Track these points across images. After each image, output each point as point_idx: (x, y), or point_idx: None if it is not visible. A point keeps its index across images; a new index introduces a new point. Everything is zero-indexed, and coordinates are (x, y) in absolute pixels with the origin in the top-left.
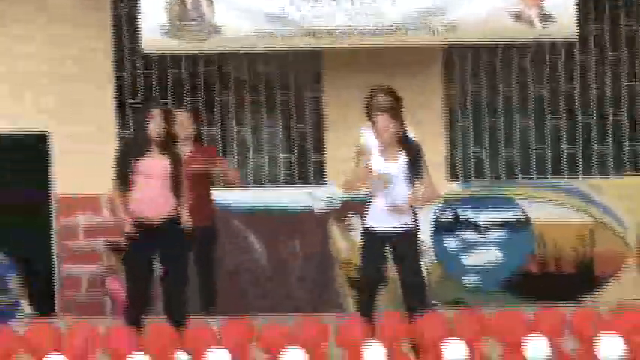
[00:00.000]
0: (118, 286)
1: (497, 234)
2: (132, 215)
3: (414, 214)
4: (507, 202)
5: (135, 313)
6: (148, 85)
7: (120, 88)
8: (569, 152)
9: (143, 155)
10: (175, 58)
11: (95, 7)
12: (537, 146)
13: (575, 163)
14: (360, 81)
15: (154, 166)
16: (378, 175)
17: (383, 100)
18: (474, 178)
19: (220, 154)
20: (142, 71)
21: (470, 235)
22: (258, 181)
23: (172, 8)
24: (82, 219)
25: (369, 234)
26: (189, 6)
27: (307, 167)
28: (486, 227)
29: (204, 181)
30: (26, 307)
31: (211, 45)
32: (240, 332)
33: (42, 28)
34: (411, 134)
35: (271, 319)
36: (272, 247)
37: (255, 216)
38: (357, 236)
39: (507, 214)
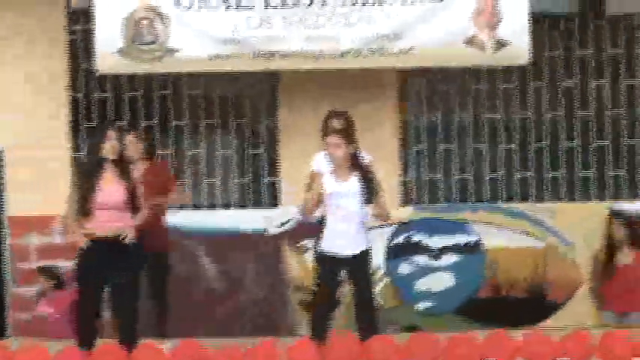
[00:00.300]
0: (48, 308)
1: (450, 259)
2: (85, 234)
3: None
4: (461, 227)
5: (85, 332)
6: (102, 106)
7: (74, 108)
8: (522, 178)
9: (99, 178)
10: (130, 80)
11: (50, 27)
12: (491, 171)
13: (528, 188)
14: (315, 105)
15: (111, 191)
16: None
17: (335, 122)
18: (427, 203)
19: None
20: (97, 93)
21: (423, 260)
22: (212, 204)
23: (127, 29)
24: (34, 240)
25: (323, 257)
26: (144, 27)
27: (261, 191)
28: (440, 252)
29: (156, 203)
30: None
31: (166, 66)
32: (192, 355)
33: None
34: (366, 156)
35: (223, 342)
36: (225, 270)
37: (208, 238)
38: (311, 259)
39: (461, 239)
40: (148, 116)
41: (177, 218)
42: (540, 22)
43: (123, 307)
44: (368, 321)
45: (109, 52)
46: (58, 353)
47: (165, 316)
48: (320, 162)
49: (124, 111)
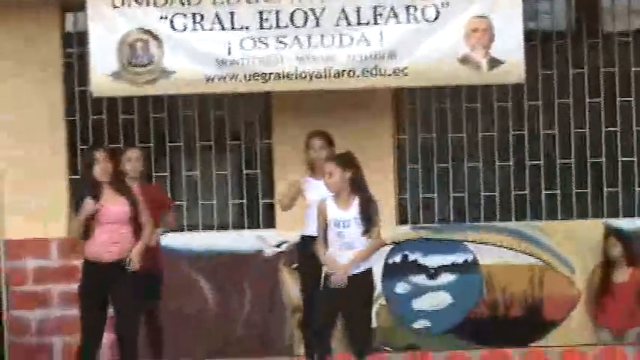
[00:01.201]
0: None
1: (446, 278)
2: (87, 256)
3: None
4: (457, 246)
5: (88, 355)
6: (98, 129)
7: (70, 131)
8: (518, 196)
9: (99, 200)
10: (126, 101)
11: (45, 49)
12: (486, 190)
13: (524, 207)
14: (310, 125)
15: (111, 208)
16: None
17: (314, 141)
18: (423, 222)
19: (167, 193)
20: (92, 115)
21: (420, 279)
22: (208, 226)
23: (122, 52)
24: (31, 263)
25: (327, 281)
26: (138, 49)
27: (257, 212)
28: (436, 271)
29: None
30: None
31: (160, 88)
32: None
33: None
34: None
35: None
36: (221, 291)
37: (204, 259)
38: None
39: (457, 258)
40: (144, 138)
41: (173, 240)
42: (534, 39)
43: (120, 332)
44: (362, 342)
45: (103, 75)
46: None
47: (160, 339)
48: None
49: (119, 133)
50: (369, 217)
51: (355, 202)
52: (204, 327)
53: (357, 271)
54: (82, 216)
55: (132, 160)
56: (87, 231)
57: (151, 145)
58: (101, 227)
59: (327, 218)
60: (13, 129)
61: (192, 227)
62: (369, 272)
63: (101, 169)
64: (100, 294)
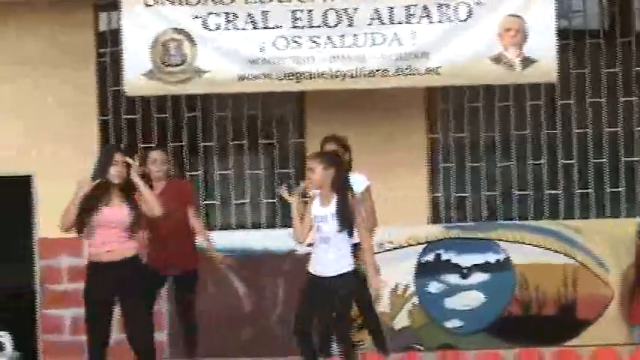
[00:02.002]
0: None
1: (479, 277)
2: (89, 257)
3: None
4: (489, 245)
5: (94, 352)
6: (131, 128)
7: (104, 131)
8: (551, 195)
9: (102, 201)
10: (159, 101)
11: (79, 50)
12: (519, 189)
13: (557, 206)
14: (343, 124)
15: (113, 214)
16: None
17: (327, 146)
18: (456, 221)
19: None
20: (126, 115)
21: (452, 278)
22: (241, 225)
23: (155, 51)
24: (65, 261)
25: (308, 278)
26: (172, 49)
27: (290, 211)
28: (469, 270)
29: (178, 219)
30: (9, 350)
31: (194, 88)
32: None
33: (24, 70)
34: (360, 180)
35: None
36: (254, 289)
37: (237, 258)
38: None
39: (489, 257)
40: (177, 137)
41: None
42: (567, 38)
43: (132, 330)
44: (342, 342)
45: (137, 75)
46: None
47: (194, 338)
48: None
49: (152, 132)
50: (344, 215)
51: (334, 199)
52: (236, 325)
53: (334, 274)
54: (78, 195)
55: (157, 162)
56: (88, 231)
57: (184, 144)
58: (100, 229)
59: (312, 214)
60: (46, 129)
61: (225, 226)
62: (344, 275)
63: (117, 171)
64: (104, 294)
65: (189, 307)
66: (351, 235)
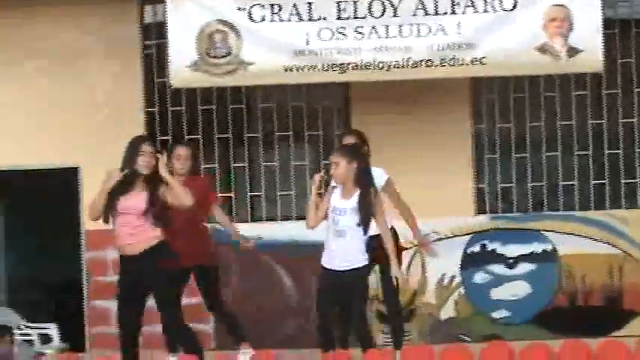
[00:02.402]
0: None
1: (525, 267)
2: (116, 248)
3: (370, 252)
4: (535, 235)
5: (125, 343)
6: (177, 120)
7: (149, 123)
8: (597, 185)
9: (128, 192)
10: (204, 93)
11: (124, 42)
12: (565, 179)
13: (603, 196)
14: (387, 115)
15: (131, 203)
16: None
17: (346, 140)
18: (501, 212)
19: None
20: (170, 107)
21: (498, 269)
22: (286, 217)
23: (201, 43)
24: (111, 253)
25: (322, 272)
26: (217, 41)
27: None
28: (515, 261)
29: (195, 216)
30: (56, 341)
31: (239, 79)
32: None
33: (71, 62)
34: (380, 174)
35: (301, 354)
36: (299, 280)
37: (282, 250)
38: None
39: (535, 247)
40: (222, 129)
41: (251, 232)
42: (612, 28)
43: (163, 318)
44: (360, 336)
45: (182, 66)
46: None
47: (234, 326)
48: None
49: (198, 124)
50: (365, 210)
51: (356, 193)
52: (281, 316)
53: (348, 267)
54: (107, 186)
55: (181, 158)
56: (106, 216)
57: (230, 136)
58: (119, 217)
59: (330, 205)
60: (92, 121)
61: (271, 218)
62: (360, 270)
63: (145, 162)
64: (132, 286)
65: (215, 299)
66: (366, 232)
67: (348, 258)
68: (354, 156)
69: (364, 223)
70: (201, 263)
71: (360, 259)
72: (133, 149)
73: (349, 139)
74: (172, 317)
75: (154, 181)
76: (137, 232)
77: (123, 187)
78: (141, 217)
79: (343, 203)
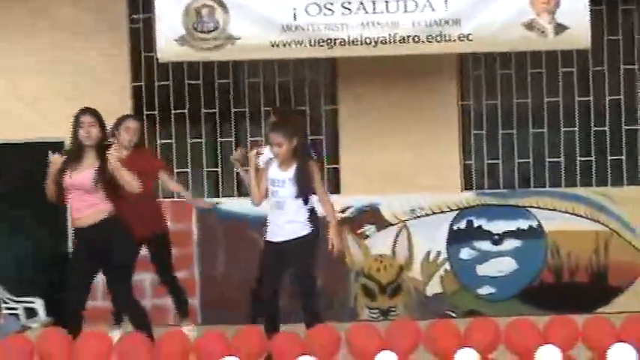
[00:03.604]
0: None
1: (511, 244)
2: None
3: (314, 221)
4: (522, 212)
5: (71, 314)
6: (164, 94)
7: (137, 97)
8: (583, 162)
9: (78, 166)
10: (191, 68)
11: (111, 17)
12: (551, 156)
13: (590, 173)
14: (375, 91)
15: (81, 176)
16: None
17: (273, 117)
18: (488, 188)
19: (158, 157)
20: (157, 81)
21: (484, 245)
22: None
23: (188, 17)
24: None
25: (266, 247)
26: (204, 15)
27: (323, 177)
28: (500, 237)
29: (143, 185)
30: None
31: (226, 54)
32: (253, 342)
33: (57, 38)
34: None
35: (284, 328)
36: None
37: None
38: (372, 245)
39: (521, 224)
40: (209, 104)
41: (233, 206)
42: (600, 4)
43: (112, 290)
44: (309, 308)
45: (169, 41)
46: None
47: (184, 302)
48: (267, 155)
49: (185, 99)
50: (302, 181)
51: (294, 165)
52: None
53: (288, 238)
54: (51, 172)
55: (130, 131)
56: (58, 192)
57: (216, 110)
58: (68, 193)
59: (267, 177)
60: (78, 96)
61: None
62: (302, 239)
63: (85, 133)
64: (84, 258)
65: (168, 270)
66: (306, 202)
67: (290, 228)
68: (295, 134)
69: (303, 194)
70: (153, 232)
71: (303, 228)
72: (74, 122)
73: (274, 117)
74: (123, 291)
75: (103, 152)
76: (87, 206)
77: (74, 161)
78: (91, 191)
79: (281, 174)
